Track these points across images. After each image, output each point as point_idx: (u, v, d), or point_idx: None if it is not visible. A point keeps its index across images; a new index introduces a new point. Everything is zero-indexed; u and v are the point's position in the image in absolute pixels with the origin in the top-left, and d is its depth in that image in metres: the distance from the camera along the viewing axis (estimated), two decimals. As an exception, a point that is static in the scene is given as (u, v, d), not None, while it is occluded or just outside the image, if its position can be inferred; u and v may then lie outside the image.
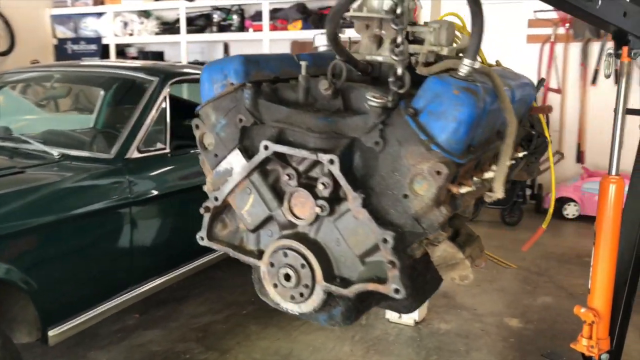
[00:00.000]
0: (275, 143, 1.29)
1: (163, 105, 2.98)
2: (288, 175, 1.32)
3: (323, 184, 1.26)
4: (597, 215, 1.97)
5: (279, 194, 1.37)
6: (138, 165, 2.77)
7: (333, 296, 1.34)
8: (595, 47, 5.76)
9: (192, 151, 3.16)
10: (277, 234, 1.41)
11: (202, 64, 7.36)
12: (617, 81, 1.92)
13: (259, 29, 7.00)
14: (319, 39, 1.59)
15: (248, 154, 1.37)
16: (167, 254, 2.97)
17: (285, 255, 1.34)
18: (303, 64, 1.29)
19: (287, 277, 1.34)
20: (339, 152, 1.22)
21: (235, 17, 7.18)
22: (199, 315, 3.47)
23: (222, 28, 7.33)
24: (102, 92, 3.76)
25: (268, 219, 1.40)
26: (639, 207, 2.06)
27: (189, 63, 7.17)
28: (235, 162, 1.38)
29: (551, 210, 1.74)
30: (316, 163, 1.30)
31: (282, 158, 1.33)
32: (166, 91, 3.01)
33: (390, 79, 1.21)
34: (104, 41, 7.83)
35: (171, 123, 3.02)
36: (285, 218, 1.35)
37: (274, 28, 6.87)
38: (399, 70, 1.21)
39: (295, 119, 1.30)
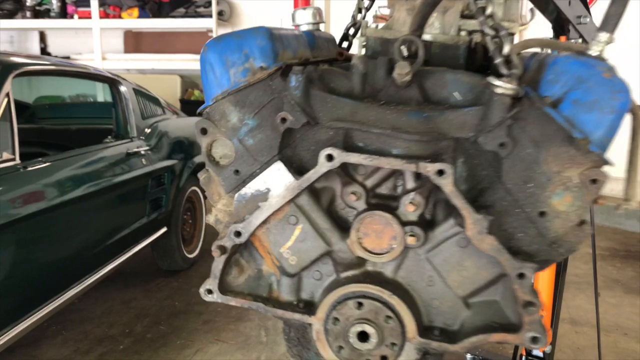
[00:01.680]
0: (342, 150, 0.94)
1: (5, 103, 2.32)
2: (354, 194, 0.98)
3: (413, 203, 0.95)
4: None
5: (337, 222, 1.02)
6: (-19, 183, 2.11)
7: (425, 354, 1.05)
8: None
9: (45, 161, 2.54)
10: (331, 276, 1.05)
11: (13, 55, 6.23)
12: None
13: (85, 15, 6.13)
14: (301, 16, 1.24)
15: (293, 167, 1.00)
16: (27, 292, 2.34)
17: (360, 305, 0.99)
18: (361, 39, 0.98)
19: (364, 337, 1.00)
20: (450, 159, 0.92)
21: (54, 1, 6.20)
22: (64, 360, 2.84)
23: (38, 14, 6.28)
24: None
25: (321, 257, 1.04)
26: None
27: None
28: (274, 179, 0.99)
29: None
30: (389, 177, 0.99)
31: (345, 171, 1.00)
32: (8, 86, 2.35)
33: (498, 60, 0.94)
34: None
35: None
36: (350, 254, 1.01)
37: (104, 15, 6.09)
38: (506, 49, 0.94)
39: (367, 115, 0.96)
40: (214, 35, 6.09)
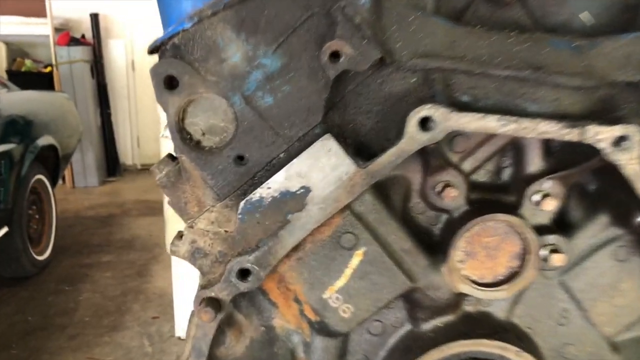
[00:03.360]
0: (451, 108, 0.55)
1: None
2: (452, 186, 0.60)
3: (552, 196, 0.60)
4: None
5: (421, 238, 0.62)
6: None
7: None
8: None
9: None
10: (400, 327, 0.65)
11: None
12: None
13: None
14: None
15: (347, 143, 0.56)
16: None
17: None
18: None
19: None
20: (632, 117, 0.59)
21: None
22: None
23: None
24: None
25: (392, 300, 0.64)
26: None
27: None
28: (319, 170, 0.52)
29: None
30: (495, 154, 0.63)
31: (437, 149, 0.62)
32: None
33: None
34: None
35: None
36: (445, 291, 0.63)
37: None
38: None
39: (475, 47, 0.56)
40: (45, -7, 5.17)
